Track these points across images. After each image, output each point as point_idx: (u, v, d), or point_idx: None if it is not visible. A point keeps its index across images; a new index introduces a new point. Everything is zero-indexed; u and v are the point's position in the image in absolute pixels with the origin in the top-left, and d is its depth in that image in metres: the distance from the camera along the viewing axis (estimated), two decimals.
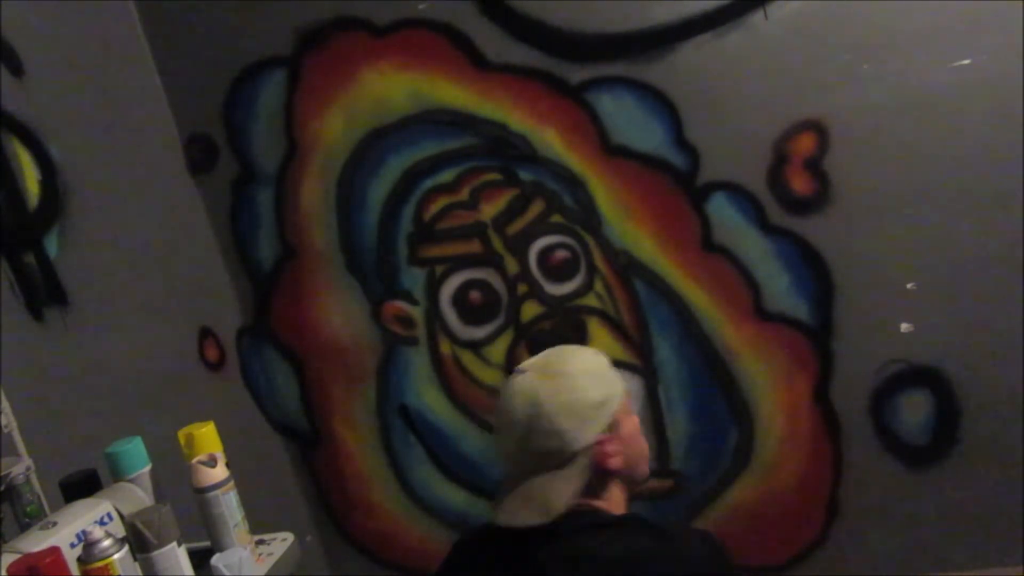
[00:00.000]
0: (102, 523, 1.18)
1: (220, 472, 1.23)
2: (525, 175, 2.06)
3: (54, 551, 1.06)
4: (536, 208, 2.07)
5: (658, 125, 1.94)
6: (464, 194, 2.11)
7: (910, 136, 1.82)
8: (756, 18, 1.83)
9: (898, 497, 2.02)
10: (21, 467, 1.48)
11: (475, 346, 2.21)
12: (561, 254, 2.09)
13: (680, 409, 2.09)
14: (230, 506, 1.23)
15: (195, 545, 1.24)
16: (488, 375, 2.22)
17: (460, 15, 1.98)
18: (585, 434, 1.08)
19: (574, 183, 2.03)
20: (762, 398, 2.05)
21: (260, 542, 1.33)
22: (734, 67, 1.87)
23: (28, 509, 1.49)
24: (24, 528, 1.40)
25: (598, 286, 2.09)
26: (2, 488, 1.44)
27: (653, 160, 1.96)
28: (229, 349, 2.28)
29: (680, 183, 1.96)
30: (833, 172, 1.87)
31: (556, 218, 2.07)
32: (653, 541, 1.05)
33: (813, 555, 2.10)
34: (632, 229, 2.03)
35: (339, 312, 2.27)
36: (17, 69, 1.76)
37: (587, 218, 2.04)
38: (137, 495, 1.27)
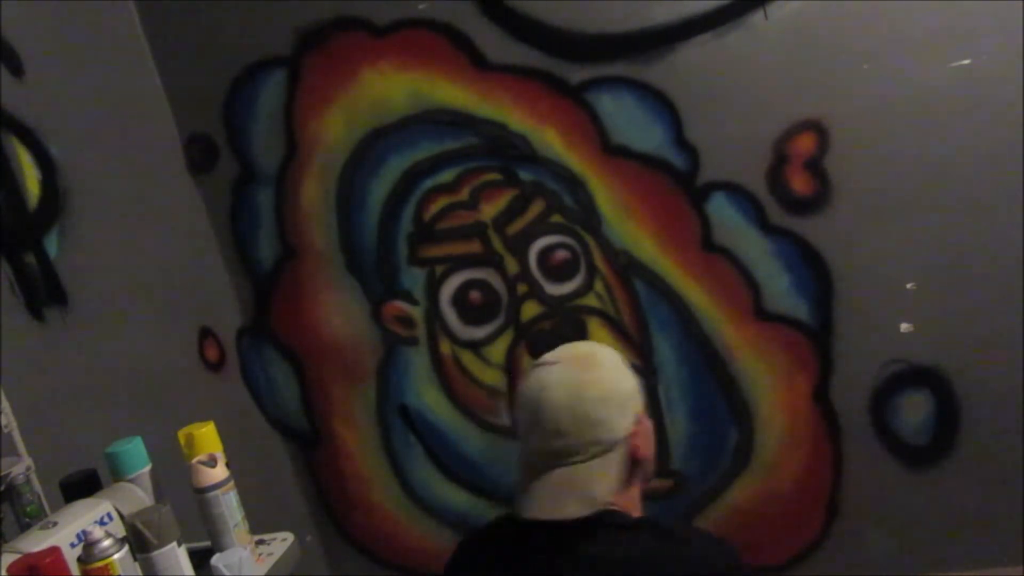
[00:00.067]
0: (102, 523, 1.18)
1: (220, 472, 1.23)
2: (525, 175, 2.06)
3: (54, 551, 1.06)
4: (536, 208, 2.07)
5: (658, 125, 1.94)
6: (464, 194, 2.11)
7: (910, 136, 1.82)
8: (756, 18, 1.83)
9: (898, 497, 2.02)
10: (21, 467, 1.48)
11: (475, 346, 2.21)
12: (561, 254, 2.09)
13: (680, 409, 2.09)
14: (230, 506, 1.23)
15: (195, 545, 1.24)
16: (488, 375, 2.22)
17: (460, 15, 1.98)
18: (623, 424, 1.10)
19: (574, 183, 2.03)
20: (762, 398, 2.05)
21: (260, 542, 1.33)
22: (734, 67, 1.87)
23: (28, 509, 1.48)
24: (24, 528, 1.40)
25: (598, 286, 2.09)
26: (2, 488, 1.44)
27: (653, 160, 1.96)
28: (229, 349, 2.28)
29: (680, 183, 1.96)
30: (833, 172, 1.87)
31: (556, 218, 2.07)
32: (671, 544, 1.05)
33: (813, 555, 2.10)
34: (632, 229, 2.03)
35: (339, 312, 2.27)
36: (17, 69, 1.75)
37: (587, 218, 2.04)
38: (137, 495, 1.27)
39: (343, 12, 2.05)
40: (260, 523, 1.33)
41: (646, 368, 2.09)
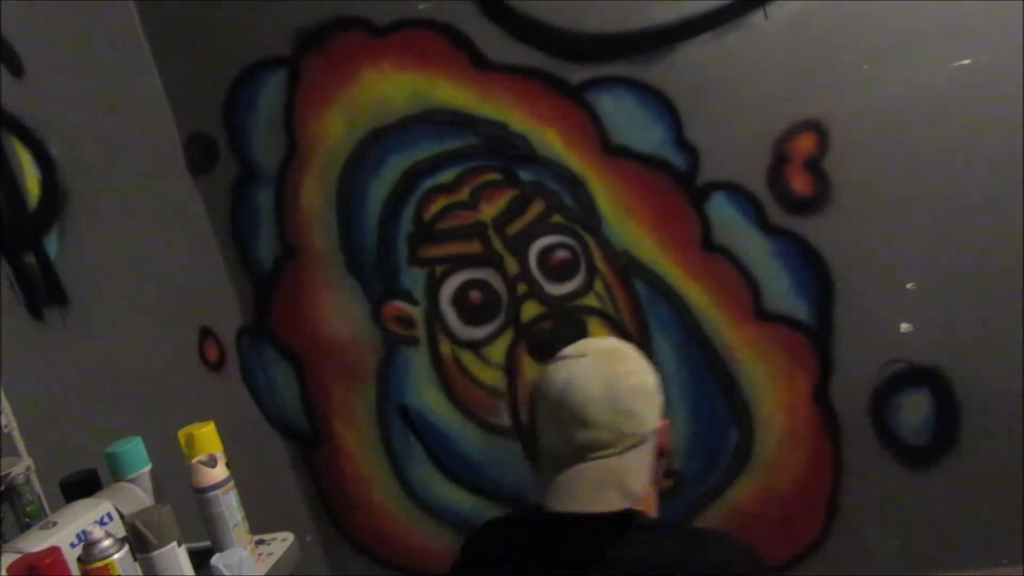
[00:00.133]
0: (102, 523, 1.18)
1: (220, 472, 1.23)
2: (525, 175, 2.06)
3: (54, 551, 1.06)
4: (536, 208, 2.07)
5: (658, 125, 1.94)
6: (464, 194, 2.11)
7: (910, 136, 1.82)
8: (756, 18, 1.83)
9: (898, 497, 2.02)
10: (21, 467, 1.48)
11: (475, 346, 2.21)
12: (561, 254, 2.09)
13: (680, 409, 2.09)
14: (230, 506, 1.23)
15: (195, 545, 1.24)
16: (488, 375, 2.22)
17: (460, 15, 1.98)
18: (652, 417, 1.10)
19: (574, 183, 2.03)
20: (762, 398, 2.05)
21: (260, 542, 1.33)
22: (734, 67, 1.86)
23: (28, 509, 1.49)
24: (24, 528, 1.40)
25: (598, 286, 2.09)
26: (2, 488, 1.44)
27: (653, 160, 1.96)
28: (229, 349, 2.28)
29: (680, 183, 1.96)
30: (833, 172, 1.87)
31: (556, 218, 2.07)
32: (696, 547, 1.05)
33: (813, 555, 2.10)
34: (632, 229, 2.03)
35: (339, 312, 2.27)
36: (17, 69, 1.76)
37: (587, 218, 2.04)
38: (137, 495, 1.27)
39: (343, 12, 2.05)
40: (260, 523, 1.33)
41: None
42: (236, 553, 1.21)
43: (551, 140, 2.01)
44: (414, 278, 2.20)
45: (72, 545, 1.12)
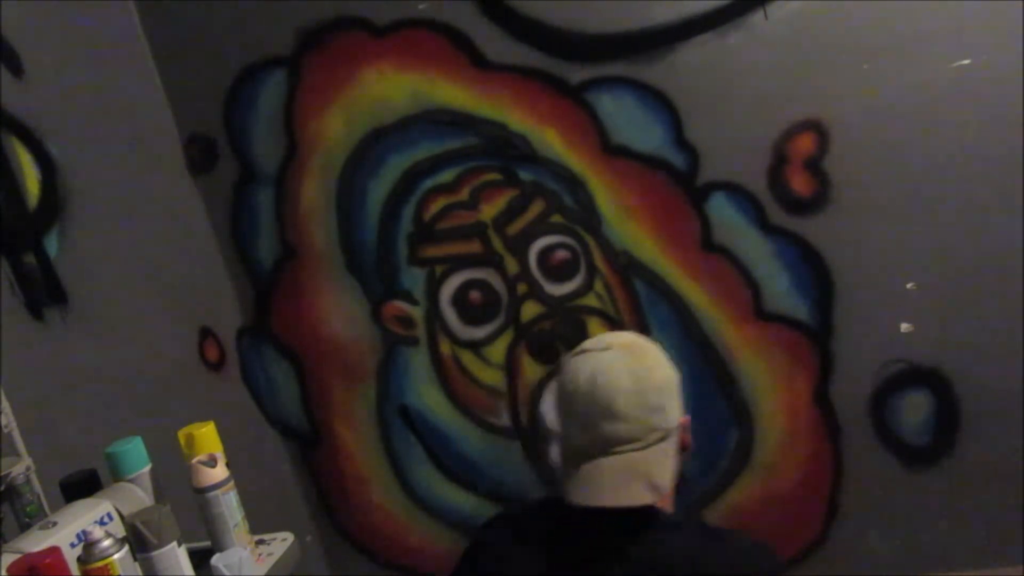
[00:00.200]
0: (102, 523, 1.18)
1: (220, 472, 1.23)
2: (525, 175, 2.06)
3: (54, 551, 1.06)
4: (536, 208, 2.07)
5: (658, 125, 1.94)
6: (464, 194, 2.11)
7: (910, 136, 1.82)
8: (756, 18, 1.83)
9: (898, 497, 2.02)
10: (21, 467, 1.48)
11: (475, 346, 2.21)
12: (561, 254, 2.09)
13: None
14: (230, 506, 1.23)
15: (195, 545, 1.24)
16: (488, 375, 2.22)
17: (460, 15, 1.98)
18: (676, 412, 1.09)
19: (574, 183, 2.03)
20: (762, 398, 2.05)
21: (260, 542, 1.33)
22: (734, 67, 1.87)
23: (28, 509, 1.48)
24: (24, 528, 1.40)
25: (598, 286, 2.09)
26: (2, 488, 1.44)
27: (653, 160, 1.96)
28: (229, 349, 2.28)
29: (680, 183, 1.96)
30: (833, 172, 1.87)
31: (556, 218, 2.07)
32: (718, 547, 1.05)
33: (813, 555, 2.10)
34: (632, 229, 2.03)
35: (339, 312, 2.27)
36: (17, 69, 1.75)
37: (587, 218, 2.04)
38: (137, 495, 1.27)
39: (343, 12, 2.05)
40: (260, 523, 1.33)
41: None
42: (236, 553, 1.21)
43: (551, 140, 2.01)
44: (414, 278, 2.20)
45: (72, 545, 1.12)
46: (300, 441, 2.42)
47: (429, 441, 2.32)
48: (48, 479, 1.45)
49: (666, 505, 1.11)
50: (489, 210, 2.10)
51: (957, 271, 1.86)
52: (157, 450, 1.32)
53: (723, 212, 1.95)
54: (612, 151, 1.98)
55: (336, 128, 2.14)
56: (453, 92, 2.04)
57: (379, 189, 2.16)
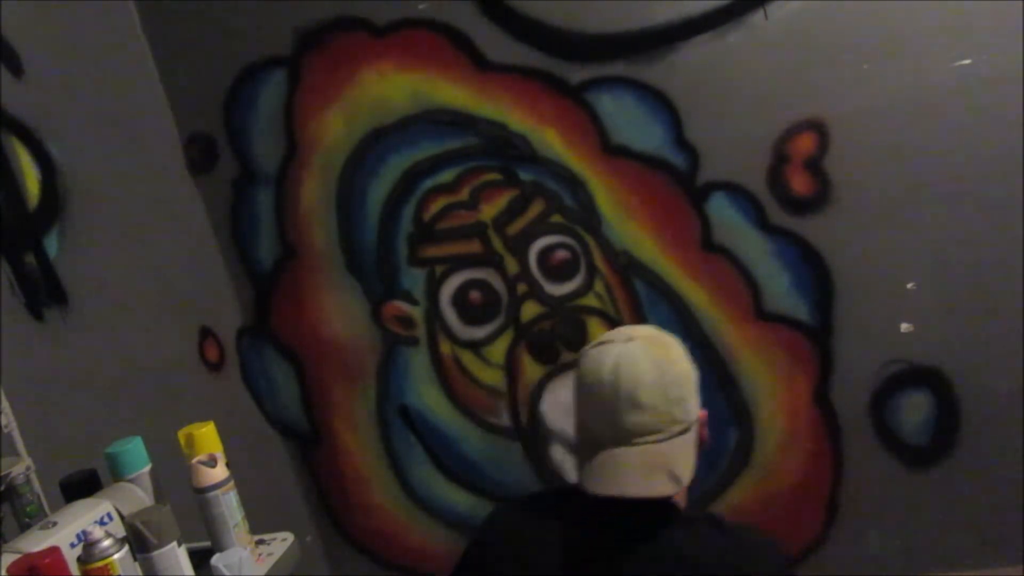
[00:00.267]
0: (102, 523, 1.18)
1: (220, 472, 1.23)
2: (525, 175, 2.06)
3: (54, 551, 1.06)
4: (536, 208, 2.07)
5: (658, 125, 1.94)
6: (464, 194, 2.11)
7: (910, 136, 1.82)
8: (756, 18, 1.83)
9: (898, 497, 2.02)
10: (21, 467, 1.48)
11: (475, 346, 2.21)
12: (561, 254, 2.09)
13: None
14: (230, 506, 1.23)
15: (195, 545, 1.24)
16: (488, 375, 2.22)
17: (460, 15, 1.98)
18: (696, 405, 1.10)
19: (574, 183, 2.03)
20: (762, 398, 2.05)
21: (260, 542, 1.33)
22: (734, 67, 1.87)
23: (28, 509, 1.49)
24: (24, 528, 1.40)
25: (598, 286, 2.09)
26: (2, 488, 1.44)
27: (653, 160, 1.96)
28: (229, 349, 2.28)
29: (680, 183, 1.96)
30: (833, 172, 1.87)
31: (556, 218, 2.07)
32: (732, 545, 1.04)
33: (813, 555, 2.10)
34: (632, 229, 2.03)
35: (339, 312, 2.27)
36: (17, 69, 1.76)
37: (587, 218, 2.04)
38: (137, 495, 1.27)
39: (343, 12, 2.05)
40: (260, 523, 1.33)
41: None
42: (236, 553, 1.21)
43: (551, 140, 2.01)
44: (414, 278, 2.20)
45: (72, 545, 1.12)
46: (300, 441, 2.42)
47: (429, 441, 2.32)
48: (48, 479, 1.46)
49: (680, 500, 1.12)
50: (489, 210, 2.10)
51: (957, 271, 1.86)
52: (157, 450, 1.32)
53: (723, 212, 1.95)
54: (612, 151, 1.98)
55: (336, 128, 2.14)
56: (453, 92, 2.04)
57: (379, 189, 2.16)
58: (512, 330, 2.17)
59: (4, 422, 1.48)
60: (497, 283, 2.15)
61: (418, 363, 2.26)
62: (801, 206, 1.91)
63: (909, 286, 1.90)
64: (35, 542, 1.10)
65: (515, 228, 2.10)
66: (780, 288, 1.97)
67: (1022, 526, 1.92)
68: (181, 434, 1.28)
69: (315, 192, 2.20)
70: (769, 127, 1.88)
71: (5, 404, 1.49)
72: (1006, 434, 1.91)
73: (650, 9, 1.87)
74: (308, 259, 2.25)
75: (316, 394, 2.37)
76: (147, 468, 1.30)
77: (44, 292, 1.73)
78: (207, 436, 1.28)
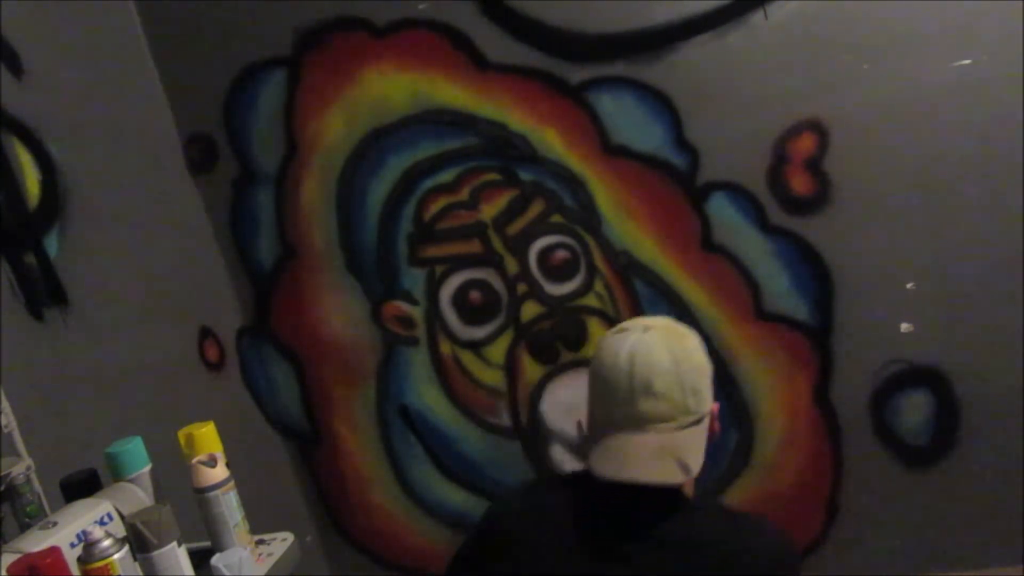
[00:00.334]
0: (102, 523, 1.18)
1: (220, 472, 1.23)
2: (525, 175, 2.06)
3: (54, 551, 1.06)
4: (536, 208, 2.07)
5: (658, 125, 1.94)
6: (464, 194, 2.11)
7: (910, 136, 1.82)
8: (756, 18, 1.83)
9: (898, 497, 2.02)
10: (21, 467, 1.47)
11: (475, 346, 2.21)
12: (561, 254, 2.09)
13: None
14: (230, 506, 1.23)
15: (195, 545, 1.24)
16: (488, 375, 2.22)
17: (460, 15, 1.98)
18: (709, 398, 1.10)
19: (574, 183, 2.03)
20: (762, 398, 2.05)
21: (260, 542, 1.33)
22: (734, 67, 1.87)
23: (28, 509, 1.48)
24: (24, 528, 1.40)
25: (598, 286, 2.09)
26: (2, 488, 1.44)
27: (653, 160, 1.96)
28: (229, 349, 2.28)
29: (680, 183, 1.96)
30: (833, 172, 1.87)
31: (556, 218, 2.07)
32: (741, 534, 1.05)
33: (813, 555, 2.10)
34: (632, 229, 2.03)
35: (339, 312, 2.27)
36: (17, 69, 1.75)
37: (587, 218, 2.04)
38: (137, 495, 1.27)
39: (343, 12, 2.05)
40: (260, 523, 1.33)
41: None
42: (236, 553, 1.21)
43: (551, 140, 2.01)
44: (414, 278, 2.20)
45: (72, 545, 1.12)
46: (300, 441, 2.42)
47: (429, 441, 2.32)
48: (48, 479, 1.45)
49: (688, 489, 1.12)
50: (489, 210, 2.10)
51: (957, 271, 1.86)
52: (157, 450, 1.32)
53: (723, 212, 1.95)
54: (612, 151, 1.99)
55: (336, 128, 2.14)
56: (453, 92, 2.04)
57: (379, 189, 2.16)
58: (512, 330, 2.17)
59: (4, 422, 1.48)
60: (497, 283, 2.15)
61: (418, 363, 2.26)
62: (801, 206, 1.91)
63: (909, 286, 1.90)
64: (35, 542, 1.10)
65: (515, 228, 2.10)
66: (780, 288, 1.97)
67: (1022, 526, 1.92)
68: (181, 434, 1.27)
69: (315, 192, 2.20)
70: (769, 127, 1.88)
71: (5, 404, 1.48)
72: (1006, 434, 1.91)
73: (650, 9, 1.87)
74: (308, 259, 2.25)
75: (316, 394, 2.37)
76: (147, 468, 1.30)
77: (44, 292, 1.72)
78: (207, 436, 1.28)
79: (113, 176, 1.96)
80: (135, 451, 1.30)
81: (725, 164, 1.93)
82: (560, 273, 2.10)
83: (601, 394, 1.11)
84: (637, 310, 2.07)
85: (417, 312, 2.23)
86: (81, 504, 1.21)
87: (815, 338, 1.98)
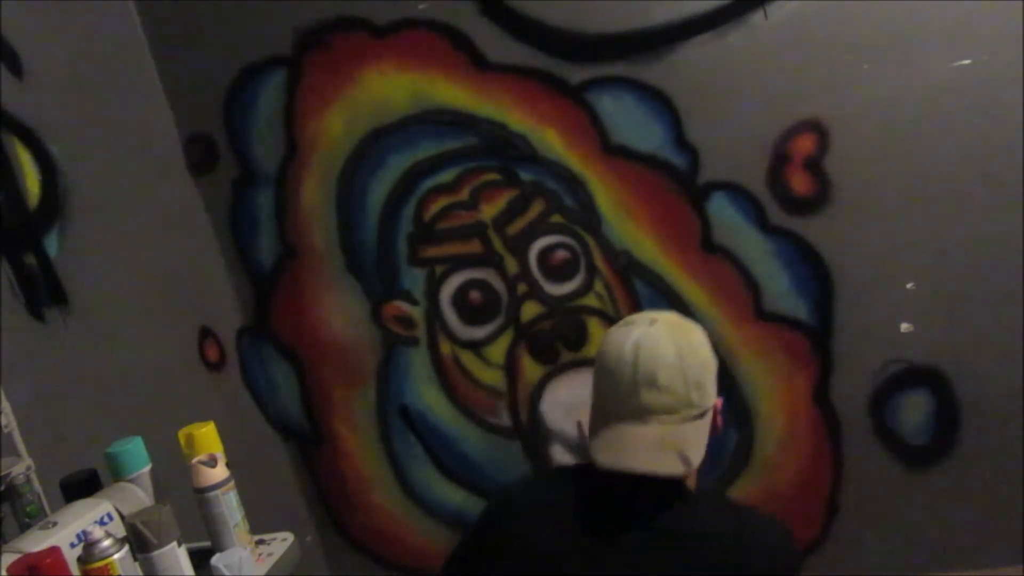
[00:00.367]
0: (102, 523, 1.18)
1: (220, 472, 1.23)
2: (525, 175, 2.06)
3: (54, 551, 1.06)
4: (536, 208, 2.07)
5: (658, 125, 1.94)
6: (464, 194, 2.11)
7: (910, 136, 1.82)
8: (756, 18, 1.83)
9: (898, 497, 2.02)
10: (21, 467, 1.47)
11: (475, 346, 2.21)
12: (561, 254, 2.09)
13: None
14: (230, 506, 1.23)
15: (195, 545, 1.24)
16: (488, 375, 2.22)
17: (460, 15, 1.98)
18: (713, 393, 1.11)
19: (574, 183, 2.03)
20: (762, 398, 2.05)
21: (260, 542, 1.33)
22: (734, 67, 1.87)
23: (28, 509, 1.48)
24: (24, 528, 1.40)
25: (598, 286, 2.09)
26: (2, 488, 1.44)
27: (653, 160, 1.96)
28: (229, 349, 2.28)
29: (680, 183, 1.96)
30: (833, 172, 1.87)
31: (556, 218, 2.07)
32: (740, 521, 1.06)
33: (813, 555, 2.10)
34: (632, 229, 2.03)
35: (339, 312, 2.27)
36: (17, 69, 1.75)
37: (587, 218, 2.04)
38: (137, 495, 1.27)
39: (343, 12, 2.05)
40: (260, 523, 1.33)
41: None
42: (236, 553, 1.21)
43: (551, 140, 2.01)
44: (414, 278, 2.20)
45: (72, 545, 1.12)
46: (300, 441, 2.42)
47: (429, 441, 2.32)
48: (48, 479, 1.45)
49: (690, 483, 1.13)
50: (489, 210, 2.10)
51: (957, 271, 1.86)
52: (157, 450, 1.32)
53: (723, 212, 1.95)
54: (612, 151, 1.98)
55: (336, 128, 2.14)
56: (453, 92, 2.04)
57: (379, 189, 2.16)
58: (512, 330, 2.17)
59: (4, 422, 1.48)
60: (497, 283, 2.15)
61: (418, 363, 2.26)
62: (801, 206, 1.91)
63: (909, 286, 1.90)
64: (35, 542, 1.10)
65: (515, 228, 2.10)
66: (780, 288, 1.97)
67: (1022, 526, 1.92)
68: (181, 434, 1.27)
69: (315, 192, 2.20)
70: (769, 127, 1.88)
71: (5, 404, 1.48)
72: (1006, 434, 1.91)
73: (650, 9, 1.87)
74: (308, 259, 2.25)
75: (316, 394, 2.37)
76: (147, 468, 1.30)
77: (44, 292, 1.72)
78: (207, 436, 1.28)
79: (113, 176, 1.96)
80: (135, 451, 1.30)
81: (725, 164, 1.93)
82: (560, 273, 2.10)
83: (605, 385, 1.11)
84: (637, 310, 2.06)
85: (417, 312, 2.23)
86: (81, 504, 1.21)
87: (815, 338, 1.98)
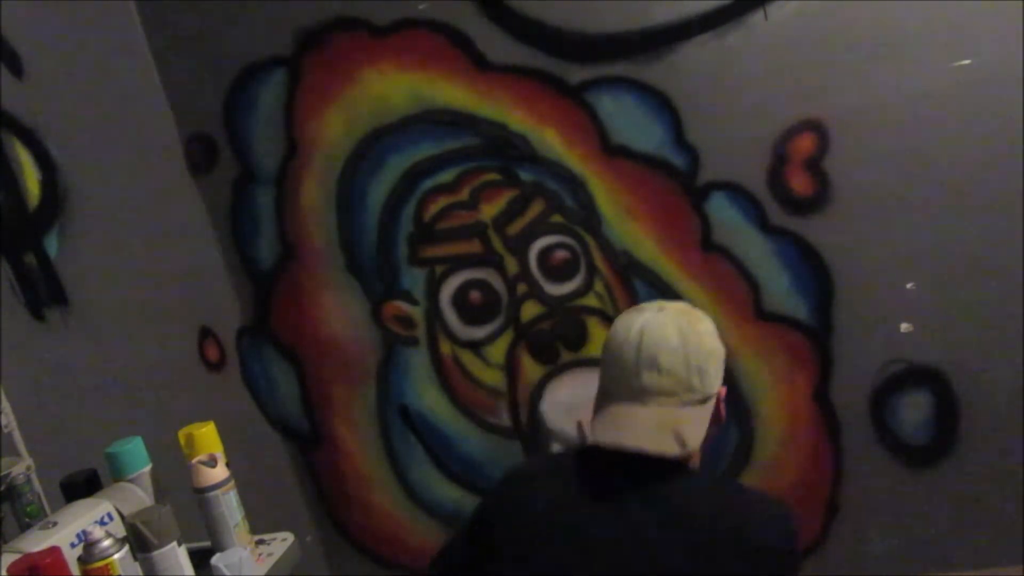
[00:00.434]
0: (102, 523, 1.18)
1: (220, 472, 1.23)
2: (525, 175, 2.06)
3: (54, 551, 1.06)
4: (536, 208, 2.07)
5: (658, 125, 1.94)
6: (464, 194, 2.11)
7: (910, 136, 1.82)
8: (756, 18, 1.83)
9: (898, 497, 2.02)
10: (21, 467, 1.48)
11: (475, 346, 2.21)
12: (561, 254, 2.09)
13: None
14: (230, 506, 1.23)
15: (195, 545, 1.24)
16: (488, 375, 2.22)
17: (460, 15, 1.98)
18: (717, 381, 1.12)
19: (574, 183, 2.03)
20: (762, 398, 2.05)
21: (260, 542, 1.33)
22: (734, 67, 1.87)
23: (28, 509, 1.49)
24: (24, 528, 1.40)
25: (598, 286, 2.09)
26: (2, 488, 1.44)
27: (653, 160, 1.96)
28: (229, 349, 2.28)
29: (680, 183, 1.96)
30: (833, 172, 1.87)
31: (556, 218, 2.07)
32: (740, 501, 1.07)
33: (813, 555, 2.10)
34: (632, 229, 2.03)
35: (339, 312, 2.27)
36: (17, 69, 1.76)
37: (587, 218, 2.04)
38: (137, 495, 1.27)
39: (343, 12, 2.05)
40: (260, 523, 1.33)
41: None
42: (236, 553, 1.21)
43: (551, 140, 2.01)
44: (414, 278, 2.20)
45: (72, 545, 1.12)
46: (300, 441, 2.42)
47: (429, 441, 2.32)
48: (48, 479, 1.46)
49: (693, 465, 1.14)
50: (489, 210, 2.10)
51: (957, 271, 1.86)
52: (157, 450, 1.32)
53: (723, 212, 1.95)
54: (612, 151, 1.98)
55: (336, 128, 2.14)
56: (453, 92, 2.04)
57: (379, 189, 2.16)
58: (512, 330, 2.17)
59: (4, 422, 1.48)
60: (497, 283, 2.15)
61: (418, 363, 2.26)
62: (801, 206, 1.91)
63: (909, 286, 1.90)
64: (35, 542, 1.10)
65: (515, 228, 2.10)
66: (780, 288, 1.97)
67: (1022, 526, 1.92)
68: (181, 434, 1.28)
69: (315, 192, 2.20)
70: (769, 127, 1.88)
71: (5, 404, 1.49)
72: (1006, 434, 1.91)
73: (650, 9, 1.87)
74: (308, 259, 2.25)
75: (316, 394, 2.37)
76: (147, 468, 1.30)
77: (44, 292, 1.73)
78: (207, 436, 1.28)
79: (113, 176, 1.96)
80: (135, 451, 1.30)
81: (725, 164, 1.93)
82: (560, 273, 2.10)
83: (609, 366, 1.14)
84: None
85: (417, 312, 2.23)
86: (81, 504, 1.22)
87: (815, 338, 1.98)
